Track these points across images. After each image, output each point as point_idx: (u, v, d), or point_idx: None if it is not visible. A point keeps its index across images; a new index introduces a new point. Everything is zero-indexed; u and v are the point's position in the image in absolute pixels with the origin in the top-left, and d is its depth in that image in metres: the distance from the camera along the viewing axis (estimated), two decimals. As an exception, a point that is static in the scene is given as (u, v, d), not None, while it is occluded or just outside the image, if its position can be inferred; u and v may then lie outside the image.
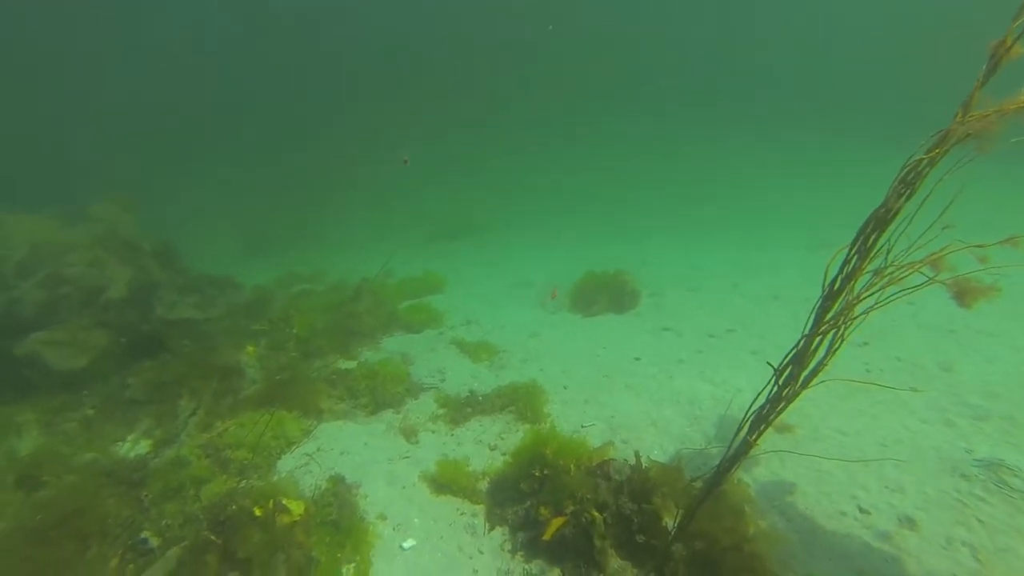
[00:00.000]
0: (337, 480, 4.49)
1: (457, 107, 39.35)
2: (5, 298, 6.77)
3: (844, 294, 2.52)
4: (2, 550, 3.56)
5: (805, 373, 2.67)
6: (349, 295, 9.09)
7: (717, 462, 3.12)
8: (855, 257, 2.48)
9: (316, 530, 3.77)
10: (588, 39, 48.29)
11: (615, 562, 3.49)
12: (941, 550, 3.52)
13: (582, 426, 5.50)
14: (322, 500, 4.17)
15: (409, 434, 5.46)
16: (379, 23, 47.14)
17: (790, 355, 2.71)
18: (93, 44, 41.64)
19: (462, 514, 4.31)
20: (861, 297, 2.46)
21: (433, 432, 5.57)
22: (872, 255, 2.44)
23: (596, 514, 3.61)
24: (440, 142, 29.53)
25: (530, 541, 3.86)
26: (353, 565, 3.74)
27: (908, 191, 2.37)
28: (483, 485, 4.57)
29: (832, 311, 2.56)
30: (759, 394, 2.84)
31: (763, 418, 2.82)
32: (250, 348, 6.93)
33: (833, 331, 2.56)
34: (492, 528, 4.12)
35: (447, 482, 4.57)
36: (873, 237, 2.44)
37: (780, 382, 2.73)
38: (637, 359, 7.05)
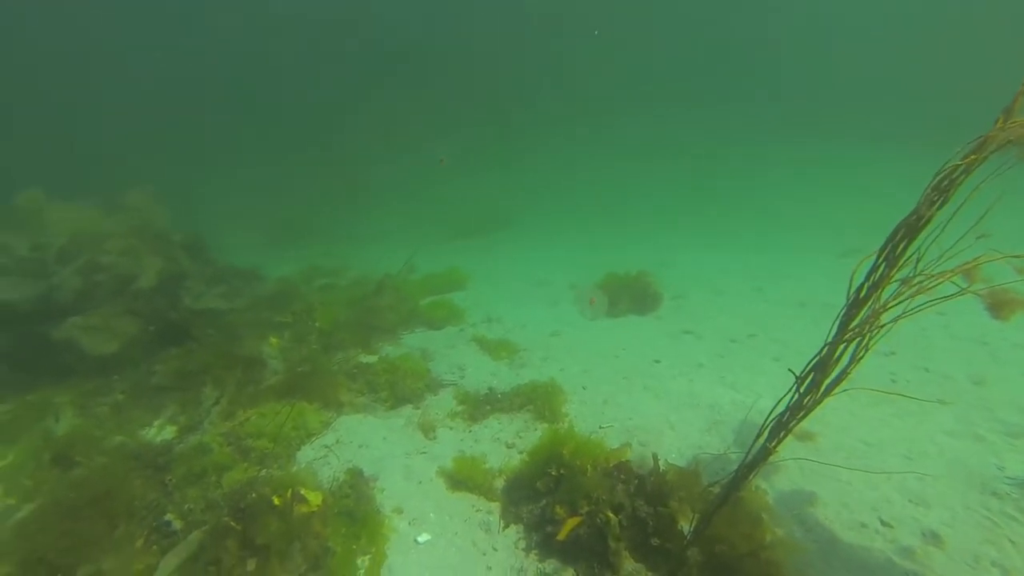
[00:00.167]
0: (355, 473, 4.56)
1: (483, 105, 39.49)
2: (46, 284, 7.03)
3: (870, 302, 2.46)
4: (41, 523, 3.73)
5: (827, 381, 2.63)
6: (371, 290, 9.21)
7: (735, 468, 3.09)
8: (883, 265, 2.43)
9: (333, 521, 3.83)
10: (614, 40, 47.99)
11: (629, 564, 3.47)
12: (968, 569, 3.42)
13: (600, 427, 5.48)
14: (340, 492, 4.24)
15: (427, 430, 5.51)
16: (399, 21, 47.50)
17: (812, 362, 2.66)
18: (119, 42, 42.83)
19: (477, 511, 4.33)
20: (888, 306, 2.41)
21: (451, 428, 5.61)
22: (901, 263, 2.39)
23: (611, 515, 3.59)
24: (465, 140, 29.68)
25: (544, 540, 3.86)
26: (368, 557, 3.80)
27: (941, 199, 2.30)
28: (499, 483, 4.59)
29: (857, 319, 2.51)
30: (779, 401, 2.80)
31: (783, 425, 2.78)
32: (273, 339, 7.07)
33: (857, 340, 2.50)
34: (507, 526, 4.14)
35: (463, 478, 4.60)
36: (903, 245, 2.38)
37: (801, 390, 2.69)
38: (657, 361, 7.00)
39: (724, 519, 3.28)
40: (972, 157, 2.18)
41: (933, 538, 3.67)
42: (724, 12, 49.53)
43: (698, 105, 38.03)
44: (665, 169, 24.06)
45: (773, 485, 4.35)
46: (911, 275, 2.36)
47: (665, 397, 6.03)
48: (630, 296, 9.20)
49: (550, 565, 3.69)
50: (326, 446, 5.16)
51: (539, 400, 5.81)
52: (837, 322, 2.61)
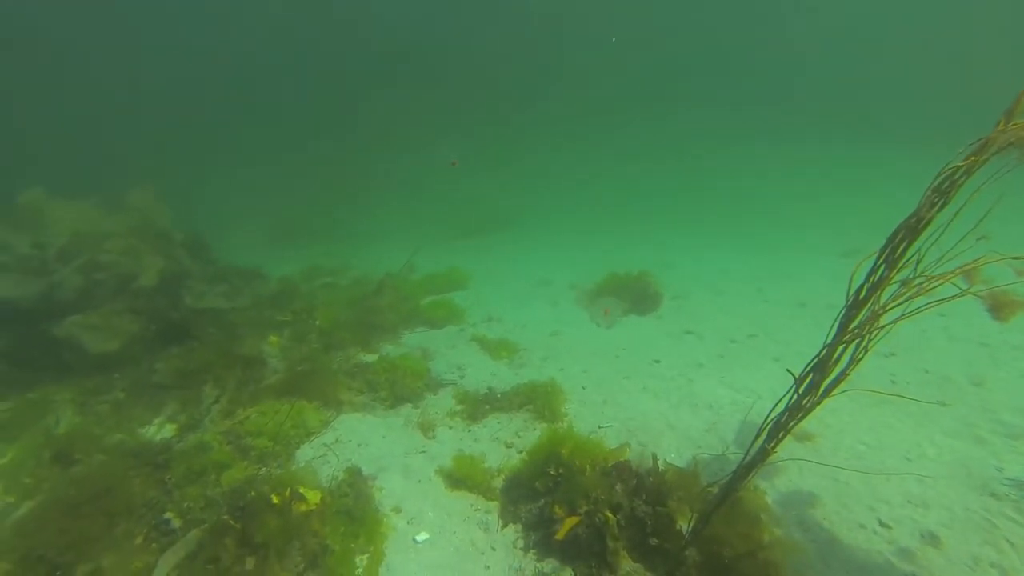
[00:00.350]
0: (354, 471, 4.56)
1: (483, 106, 39.49)
2: (47, 282, 7.03)
3: (870, 304, 2.46)
4: (40, 521, 3.74)
5: (827, 382, 2.62)
6: (372, 289, 9.21)
7: (734, 468, 3.09)
8: (883, 266, 2.42)
9: (331, 520, 3.84)
10: (614, 42, 48.00)
11: (627, 564, 3.48)
12: (967, 570, 3.42)
13: (599, 427, 5.48)
14: (338, 490, 4.24)
15: (427, 429, 5.51)
16: (399, 21, 47.50)
17: (812, 363, 2.66)
18: (123, 40, 42.85)
19: (476, 510, 4.33)
20: (888, 307, 2.40)
21: (450, 428, 5.61)
22: (901, 265, 2.38)
23: (610, 515, 3.60)
24: (465, 140, 29.69)
25: (543, 539, 3.86)
26: (367, 556, 3.80)
27: (942, 200, 2.30)
28: (498, 482, 4.59)
29: (857, 320, 2.50)
30: (778, 401, 2.80)
31: (782, 426, 2.78)
32: (273, 338, 7.08)
33: (857, 341, 2.50)
34: (506, 525, 4.14)
35: (462, 478, 4.60)
36: (903, 246, 2.38)
37: (800, 390, 2.68)
38: (657, 361, 7.00)
39: (722, 519, 3.28)
40: (973, 159, 2.18)
41: (932, 539, 3.67)
42: (724, 13, 49.51)
43: (699, 105, 38.06)
44: (666, 169, 24.07)
45: (772, 485, 4.35)
46: (911, 276, 2.36)
47: (665, 397, 6.03)
48: (631, 296, 9.20)
49: (548, 564, 3.69)
50: (325, 445, 5.17)
51: (538, 400, 5.82)
52: (836, 323, 2.61)
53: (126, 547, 3.60)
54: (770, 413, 2.84)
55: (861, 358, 2.52)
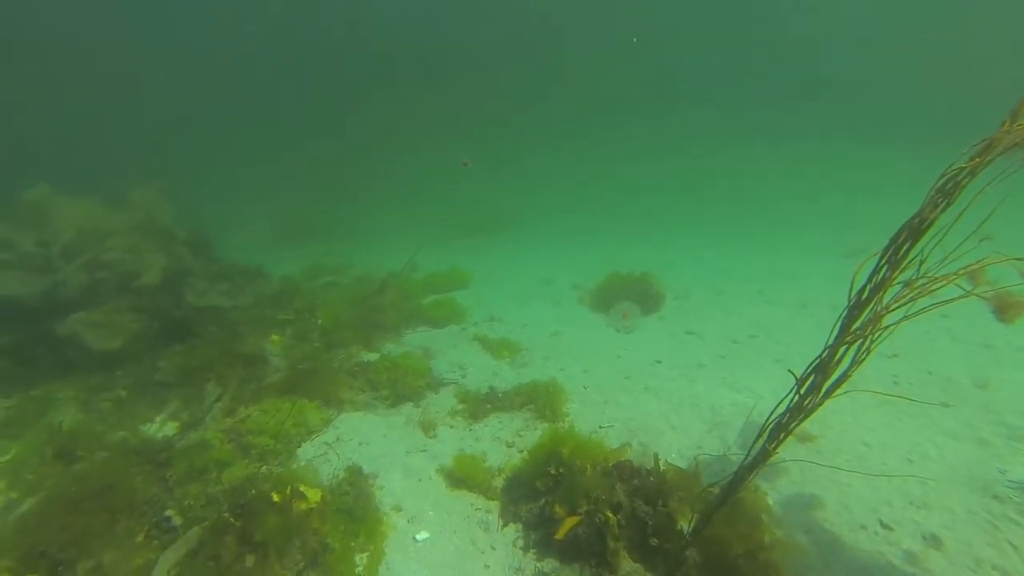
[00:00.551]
0: (355, 470, 4.57)
1: (484, 106, 39.50)
2: (51, 280, 7.05)
3: (872, 304, 2.45)
4: (43, 517, 3.75)
5: (828, 383, 2.61)
6: (374, 288, 9.21)
7: (735, 469, 3.08)
8: (885, 267, 2.41)
9: (332, 518, 3.84)
10: (616, 40, 47.94)
11: (628, 564, 3.47)
12: (969, 572, 3.40)
13: (600, 427, 5.47)
14: (339, 489, 4.24)
15: (428, 428, 5.51)
16: (399, 21, 47.55)
17: (813, 364, 2.65)
18: (123, 40, 42.96)
19: (477, 509, 4.33)
20: (890, 308, 2.39)
21: (451, 427, 5.61)
22: (904, 266, 2.37)
23: (610, 515, 3.59)
24: (467, 140, 29.70)
25: (543, 539, 3.86)
26: (367, 554, 3.81)
27: (945, 201, 2.28)
28: (499, 482, 4.59)
29: (858, 321, 2.49)
30: (780, 402, 2.79)
31: (783, 427, 2.77)
32: (275, 337, 7.09)
33: (859, 342, 2.49)
34: (506, 524, 4.14)
35: (463, 477, 4.60)
36: (905, 247, 2.37)
37: (802, 391, 2.68)
38: (658, 362, 6.99)
39: (723, 520, 3.27)
40: (977, 160, 2.16)
41: (933, 541, 3.65)
42: (724, 13, 49.42)
43: (699, 105, 38.02)
44: (667, 169, 24.04)
45: (773, 486, 4.34)
46: (914, 277, 2.34)
47: (666, 397, 6.02)
48: (633, 296, 9.19)
49: (548, 564, 3.69)
50: (327, 443, 5.17)
51: (540, 399, 5.81)
52: (838, 324, 2.60)
53: (127, 544, 3.61)
54: (771, 414, 2.84)
55: (863, 359, 2.51)
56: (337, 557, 3.62)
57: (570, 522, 3.67)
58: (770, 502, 4.05)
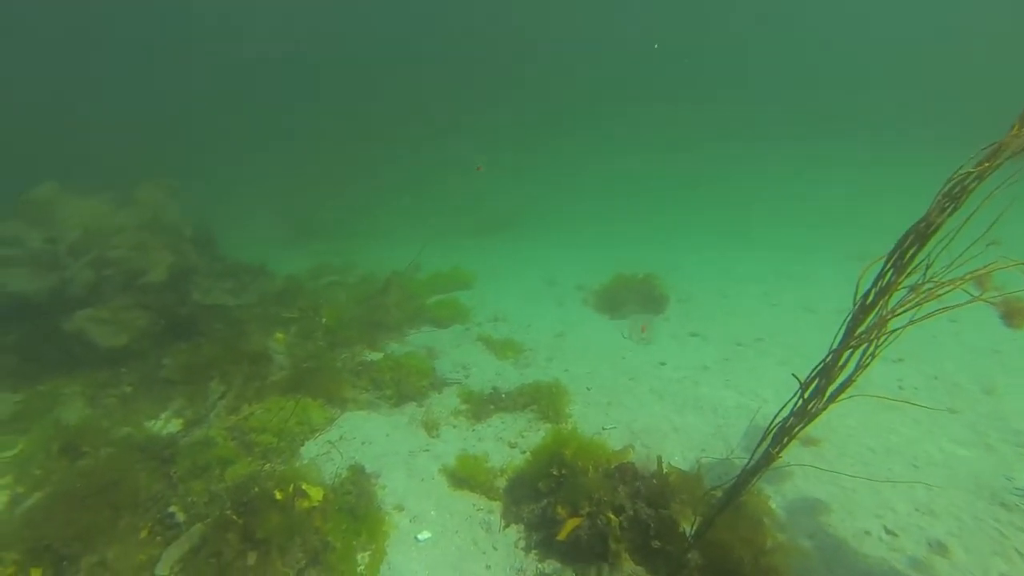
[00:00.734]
0: (357, 469, 4.57)
1: (495, 108, 39.55)
2: (58, 277, 7.11)
3: (878, 308, 2.43)
4: (48, 512, 3.78)
5: (832, 387, 2.60)
6: (378, 288, 9.23)
7: (738, 472, 3.07)
8: (891, 271, 2.39)
9: (334, 517, 3.85)
10: (620, 39, 47.92)
11: (629, 566, 3.46)
12: (974, 579, 3.37)
13: (603, 428, 5.46)
14: (341, 488, 4.25)
15: (431, 427, 5.52)
16: (419, 19, 47.68)
17: (817, 368, 2.63)
18: (139, 33, 43.24)
19: (479, 510, 4.33)
20: (896, 312, 2.37)
21: (454, 427, 5.61)
22: (909, 270, 2.35)
23: (612, 517, 3.58)
24: (474, 140, 29.73)
25: (545, 540, 3.86)
26: (368, 553, 3.81)
27: (953, 206, 2.26)
28: (501, 482, 4.59)
29: (864, 325, 2.48)
30: (784, 406, 2.78)
31: (787, 431, 2.76)
32: (279, 335, 7.12)
33: (864, 346, 2.47)
34: (508, 525, 4.14)
35: (466, 477, 4.60)
36: (912, 251, 2.35)
37: (806, 395, 2.66)
38: (662, 364, 6.96)
39: (726, 523, 3.25)
40: (986, 164, 2.14)
41: (939, 548, 3.62)
42: (737, 10, 49.27)
43: (709, 103, 37.89)
44: (674, 170, 23.95)
45: (777, 490, 4.32)
46: (920, 281, 2.32)
47: (670, 400, 6.00)
48: (637, 298, 9.17)
49: (550, 565, 3.68)
50: (330, 442, 5.19)
51: (543, 400, 5.81)
52: (843, 328, 2.58)
53: (131, 540, 3.63)
54: (775, 417, 2.82)
55: (868, 363, 2.49)
56: (339, 556, 3.63)
57: (572, 523, 3.67)
58: (773, 506, 4.03)
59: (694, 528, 3.44)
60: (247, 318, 7.75)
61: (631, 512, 3.62)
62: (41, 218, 7.86)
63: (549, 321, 8.82)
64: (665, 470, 3.96)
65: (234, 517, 3.46)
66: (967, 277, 2.23)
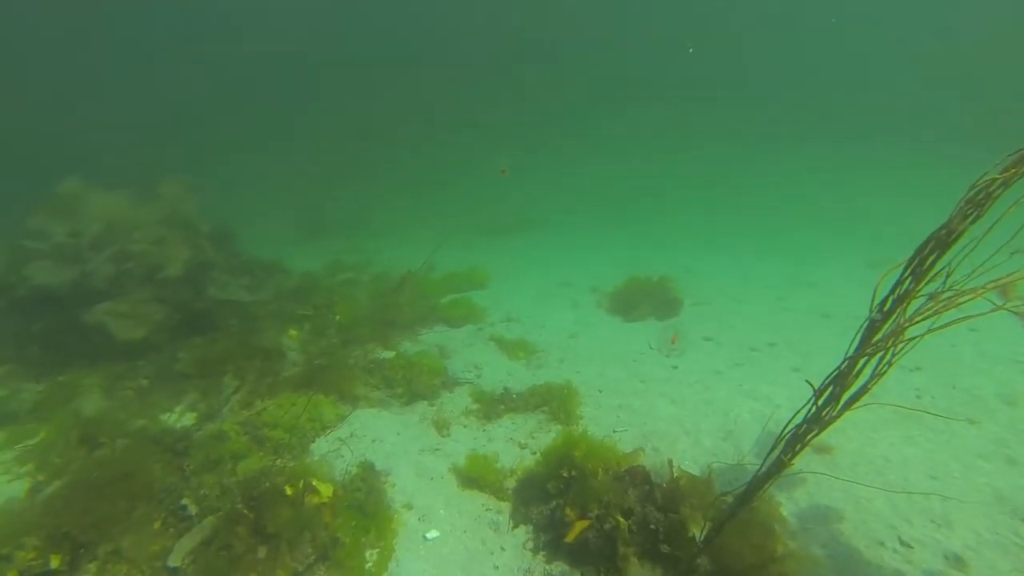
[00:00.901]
0: (367, 467, 4.61)
1: (513, 107, 39.57)
2: (80, 270, 7.26)
3: (895, 316, 2.39)
4: (67, 500, 3.85)
5: (847, 395, 2.56)
6: (392, 286, 9.29)
7: (750, 478, 3.03)
8: (909, 279, 2.35)
9: (343, 513, 3.88)
10: (628, 40, 47.66)
11: (637, 570, 3.44)
12: (991, 595, 3.30)
13: (614, 431, 5.44)
14: (351, 485, 4.28)
15: (441, 427, 5.54)
16: (429, 20, 47.87)
17: (832, 375, 2.59)
18: (139, 33, 43.88)
19: (487, 510, 4.34)
20: (914, 320, 2.33)
21: (465, 426, 5.63)
22: (929, 277, 2.30)
23: (621, 520, 3.56)
24: (492, 141, 29.76)
25: (553, 542, 3.85)
26: (376, 550, 3.84)
27: (976, 213, 2.21)
28: (511, 483, 4.59)
29: (880, 333, 2.43)
30: (797, 413, 2.74)
31: (800, 438, 2.72)
32: (293, 332, 7.19)
33: (880, 354, 2.43)
34: (516, 526, 4.14)
35: (475, 477, 4.61)
36: (932, 259, 2.30)
37: (819, 403, 2.62)
38: (675, 367, 6.92)
39: (736, 529, 3.22)
40: (1012, 171, 2.09)
41: (957, 562, 3.55)
42: (757, 11, 48.74)
43: (727, 105, 37.55)
44: (688, 173, 23.74)
45: (789, 497, 4.26)
46: (940, 289, 2.28)
47: (681, 403, 5.96)
48: (651, 301, 9.11)
49: (557, 567, 3.67)
50: (340, 439, 5.22)
51: (554, 401, 5.80)
52: (859, 335, 2.54)
53: (145, 530, 3.69)
54: (788, 424, 2.78)
55: (884, 372, 2.45)
56: (347, 552, 3.65)
57: (580, 526, 3.66)
58: (785, 513, 3.98)
59: (704, 533, 3.40)
60: (262, 314, 7.84)
61: (640, 515, 3.61)
62: (66, 212, 8.03)
63: (562, 322, 8.80)
64: (676, 474, 3.93)
65: (245, 511, 3.51)
66: (989, 286, 2.17)
